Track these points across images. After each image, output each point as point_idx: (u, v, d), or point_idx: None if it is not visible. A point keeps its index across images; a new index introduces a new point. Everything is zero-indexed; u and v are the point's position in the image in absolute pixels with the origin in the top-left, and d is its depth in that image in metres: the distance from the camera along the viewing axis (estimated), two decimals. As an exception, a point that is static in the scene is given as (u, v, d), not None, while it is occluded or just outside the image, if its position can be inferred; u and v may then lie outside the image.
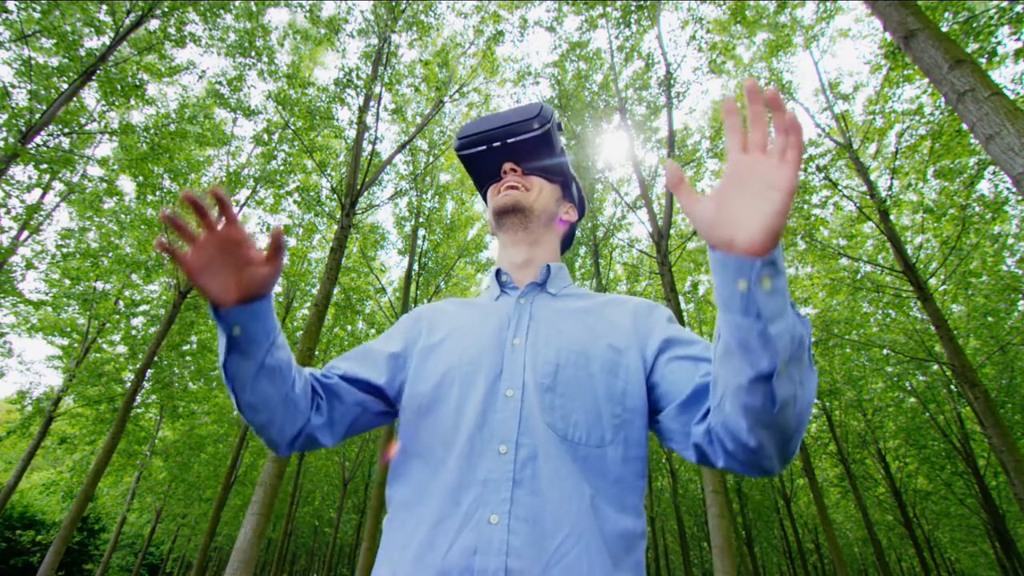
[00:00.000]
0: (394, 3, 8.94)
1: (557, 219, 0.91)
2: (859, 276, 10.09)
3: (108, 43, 6.85)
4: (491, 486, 0.59)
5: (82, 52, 6.73)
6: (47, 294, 10.87)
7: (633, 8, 9.02)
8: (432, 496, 0.61)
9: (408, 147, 11.19)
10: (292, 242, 12.14)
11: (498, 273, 0.85)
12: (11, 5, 6.43)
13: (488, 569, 0.53)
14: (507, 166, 0.90)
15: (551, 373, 0.67)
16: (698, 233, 0.54)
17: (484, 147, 0.89)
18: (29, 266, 9.56)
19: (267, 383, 0.66)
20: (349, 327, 15.01)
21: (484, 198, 0.97)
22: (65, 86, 6.75)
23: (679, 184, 0.52)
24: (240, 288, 0.63)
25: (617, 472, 0.62)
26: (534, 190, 0.89)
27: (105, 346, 12.13)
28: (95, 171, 11.50)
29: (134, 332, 11.94)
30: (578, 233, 12.21)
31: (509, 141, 0.88)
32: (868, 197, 8.49)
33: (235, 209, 0.63)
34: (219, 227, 0.61)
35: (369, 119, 8.58)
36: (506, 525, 0.56)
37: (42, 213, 9.81)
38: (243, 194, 10.77)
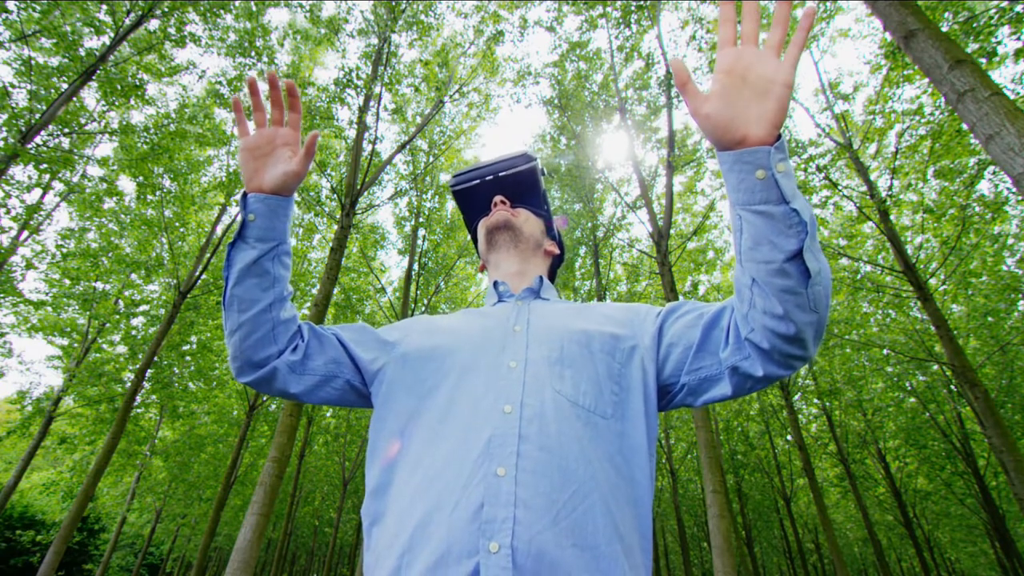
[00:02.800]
0: (394, 3, 8.94)
1: (543, 248, 0.99)
2: (859, 276, 10.08)
3: (108, 43, 6.85)
4: (496, 441, 0.59)
5: (82, 52, 6.73)
6: (47, 294, 10.87)
7: (633, 8, 9.01)
8: (430, 466, 0.60)
9: (408, 147, 11.19)
10: (292, 242, 12.15)
11: (496, 284, 0.91)
12: (11, 5, 6.42)
13: (496, 519, 0.53)
14: (497, 198, 0.99)
15: (557, 348, 0.70)
16: (705, 135, 0.57)
17: (478, 181, 0.99)
18: (29, 266, 9.56)
19: (256, 284, 0.70)
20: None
21: (474, 238, 1.04)
22: (65, 86, 6.74)
23: (687, 83, 0.56)
24: (268, 180, 0.72)
25: (619, 444, 0.64)
26: (521, 216, 0.98)
27: (105, 346, 12.12)
28: (95, 171, 11.53)
29: (134, 332, 11.93)
30: (578, 233, 12.21)
31: (501, 175, 0.98)
32: (868, 197, 8.48)
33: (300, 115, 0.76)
34: (283, 125, 0.74)
35: (369, 119, 8.59)
36: (513, 477, 0.55)
37: (42, 213, 9.80)
38: (243, 194, 10.75)
